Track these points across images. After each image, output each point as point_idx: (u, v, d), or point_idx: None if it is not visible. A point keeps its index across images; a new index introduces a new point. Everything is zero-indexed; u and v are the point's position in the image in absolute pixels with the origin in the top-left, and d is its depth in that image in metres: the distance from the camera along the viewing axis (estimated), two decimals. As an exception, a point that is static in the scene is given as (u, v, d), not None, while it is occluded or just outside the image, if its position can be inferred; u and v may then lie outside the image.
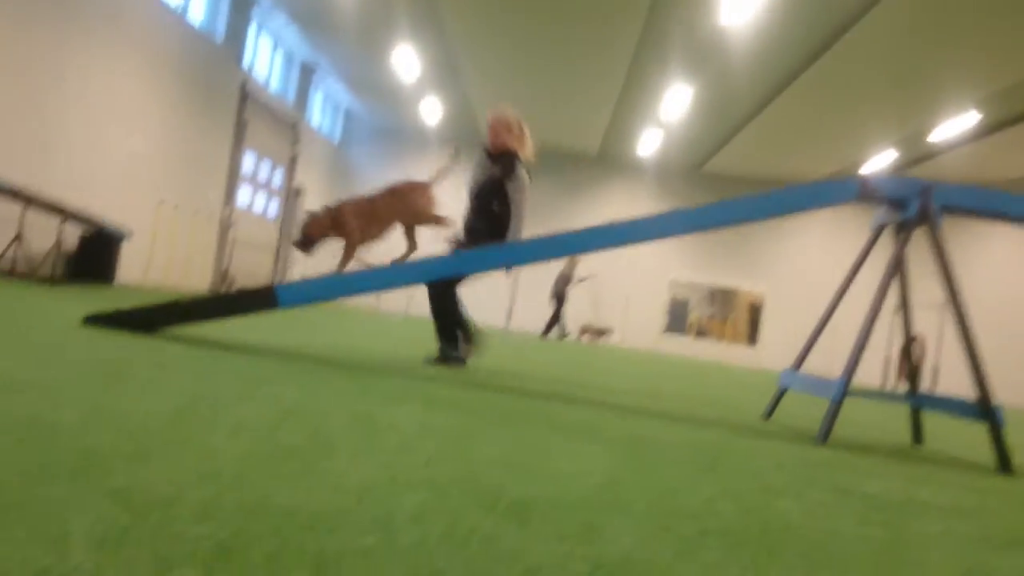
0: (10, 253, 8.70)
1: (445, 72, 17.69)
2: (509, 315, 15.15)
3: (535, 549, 1.41)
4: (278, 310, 4.71)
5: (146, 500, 1.35)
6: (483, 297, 21.73)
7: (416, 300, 21.26)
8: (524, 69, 16.75)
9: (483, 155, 5.81)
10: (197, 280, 14.55)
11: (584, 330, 21.28)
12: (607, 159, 23.39)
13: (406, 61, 16.64)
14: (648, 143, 20.86)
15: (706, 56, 14.51)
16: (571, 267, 19.46)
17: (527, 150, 5.79)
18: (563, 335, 19.38)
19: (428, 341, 8.91)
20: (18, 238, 8.62)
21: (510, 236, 5.55)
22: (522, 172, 5.67)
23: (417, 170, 23.16)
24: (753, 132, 18.75)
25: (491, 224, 5.56)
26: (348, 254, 5.28)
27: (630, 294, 22.99)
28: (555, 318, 19.30)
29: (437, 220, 5.45)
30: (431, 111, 20.69)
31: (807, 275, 22.52)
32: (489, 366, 6.17)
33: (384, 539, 1.34)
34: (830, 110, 16.63)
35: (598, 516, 1.74)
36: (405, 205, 5.38)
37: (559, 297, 19.30)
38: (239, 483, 1.57)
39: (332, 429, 2.34)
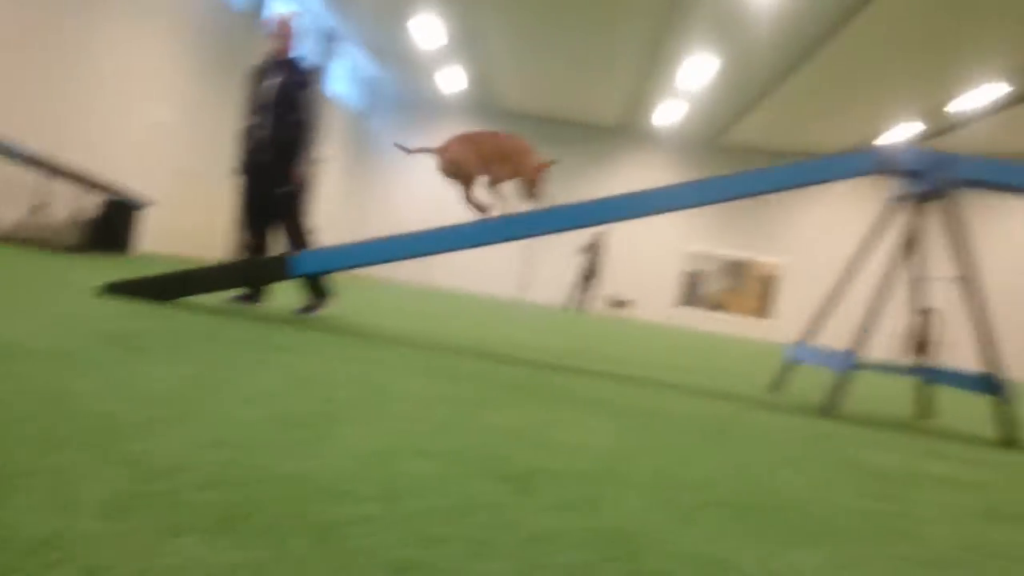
0: (30, 221, 8.79)
1: (468, 41, 17.59)
2: (524, 286, 15.16)
3: (537, 518, 1.45)
4: (291, 279, 4.75)
5: (156, 467, 1.39)
6: (496, 267, 21.85)
7: (433, 269, 21.33)
8: (546, 38, 16.62)
9: (272, 63, 5.50)
10: (216, 250, 14.63)
11: (607, 301, 21.30)
12: (627, 130, 23.24)
13: (429, 29, 16.55)
14: (668, 114, 20.70)
15: (729, 26, 14.34)
16: (597, 240, 19.54)
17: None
18: (579, 307, 19.48)
19: (442, 313, 8.95)
20: (39, 206, 8.70)
21: (310, 144, 5.44)
22: (316, 79, 5.55)
23: (437, 140, 23.11)
24: (774, 103, 18.55)
25: (297, 135, 5.42)
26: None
27: (645, 266, 22.93)
28: (581, 289, 19.47)
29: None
30: (452, 80, 20.59)
31: (825, 247, 22.35)
32: (501, 339, 6.21)
33: (387, 507, 1.37)
34: (853, 81, 16.41)
35: (601, 488, 1.77)
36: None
37: (586, 269, 19.50)
38: (248, 450, 1.61)
39: (344, 398, 2.38)
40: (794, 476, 2.26)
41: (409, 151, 5.17)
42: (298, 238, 5.49)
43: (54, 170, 8.38)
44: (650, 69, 17.45)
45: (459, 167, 4.88)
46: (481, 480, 1.66)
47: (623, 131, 23.26)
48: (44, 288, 4.24)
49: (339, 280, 12.74)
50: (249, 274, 4.72)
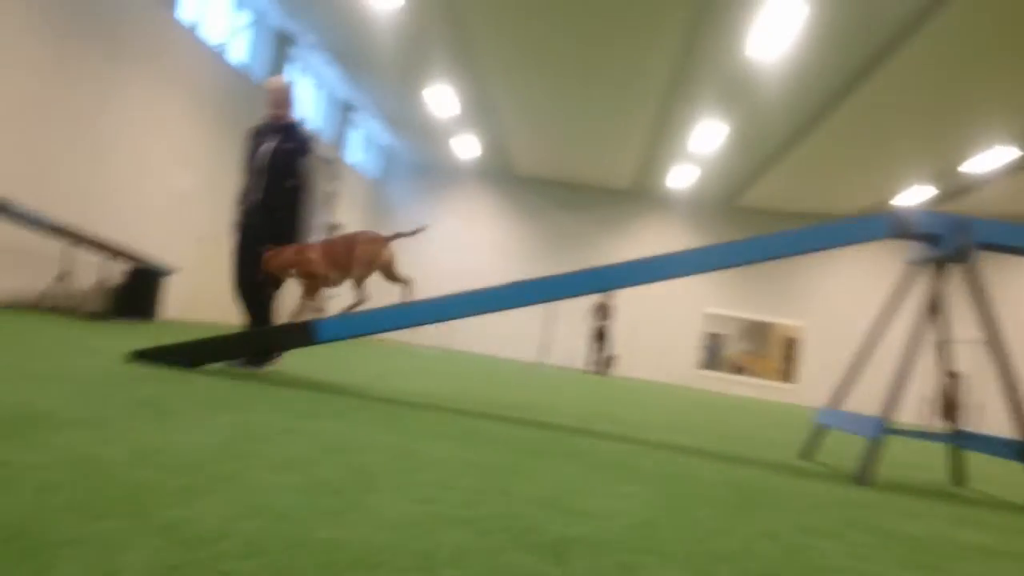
0: (54, 290, 8.90)
1: (480, 109, 17.91)
2: (543, 349, 15.17)
3: (574, 588, 1.43)
4: (316, 345, 4.78)
5: (195, 535, 1.39)
6: (516, 331, 21.85)
7: (453, 333, 21.33)
8: (557, 104, 16.91)
9: (270, 127, 5.59)
10: (237, 315, 14.74)
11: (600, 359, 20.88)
12: (639, 193, 23.43)
13: (442, 99, 16.90)
14: (680, 178, 20.88)
15: (737, 91, 14.55)
16: (605, 302, 19.52)
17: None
18: (598, 370, 19.33)
19: (462, 376, 8.93)
20: (63, 275, 8.82)
21: (307, 211, 5.50)
22: (313, 145, 5.63)
23: (453, 205, 23.42)
24: (786, 167, 18.69)
25: (290, 200, 5.48)
26: (311, 291, 5.19)
27: (665, 329, 22.86)
28: (600, 352, 19.37)
29: (394, 274, 5.27)
30: (466, 147, 20.92)
31: (845, 309, 22.24)
32: (523, 402, 6.18)
33: (426, 577, 1.36)
34: (864, 144, 16.54)
35: (635, 557, 1.75)
36: (363, 254, 5.17)
37: (598, 332, 19.40)
38: (284, 518, 1.60)
39: (372, 464, 2.37)
40: (831, 545, 2.22)
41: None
42: (259, 301, 5.45)
43: (78, 239, 8.52)
44: (661, 133, 17.69)
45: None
46: (516, 550, 1.64)
47: (636, 195, 23.45)
48: (73, 355, 4.28)
49: (354, 346, 12.76)
50: (274, 340, 4.75)
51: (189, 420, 2.68)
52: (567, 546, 1.74)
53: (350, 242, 5.15)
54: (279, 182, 5.45)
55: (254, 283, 5.46)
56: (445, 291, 4.88)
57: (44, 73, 8.88)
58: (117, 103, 10.35)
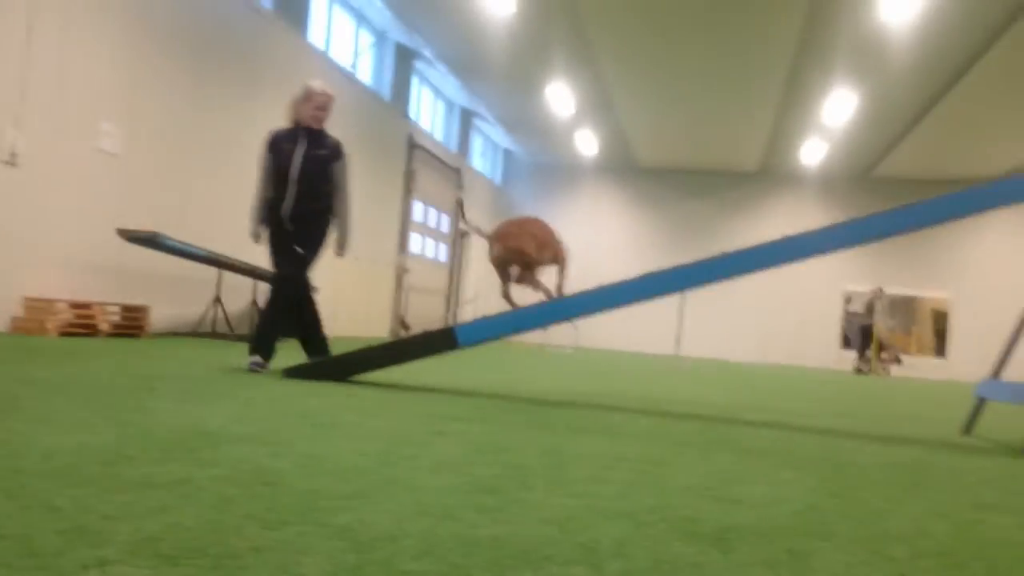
0: (210, 315, 9.43)
1: (598, 105, 17.81)
2: (678, 341, 14.98)
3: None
4: (457, 350, 4.88)
5: (370, 537, 1.45)
6: (650, 324, 21.63)
7: (582, 332, 21.35)
8: (678, 94, 16.60)
9: (298, 133, 5.40)
10: (377, 328, 15.22)
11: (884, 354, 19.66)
12: (768, 174, 22.73)
13: (560, 98, 16.88)
14: (811, 153, 20.14)
15: (869, 58, 13.89)
16: (875, 297, 18.93)
17: None
18: (861, 369, 18.56)
19: (604, 374, 8.92)
20: (217, 300, 9.32)
21: (342, 219, 5.58)
22: (344, 152, 5.61)
23: (575, 203, 23.45)
24: (923, 133, 17.72)
25: (326, 207, 5.48)
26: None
27: (801, 312, 22.10)
28: (862, 350, 18.81)
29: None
30: (586, 144, 20.87)
31: (995, 277, 20.92)
32: (665, 395, 6.13)
33: (592, 570, 1.38)
34: (1004, 104, 15.51)
35: (802, 542, 1.71)
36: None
37: (863, 329, 18.87)
38: (450, 517, 1.65)
39: (523, 462, 2.41)
40: (1008, 520, 2.11)
41: (466, 222, 5.38)
42: (279, 301, 5.45)
43: (227, 265, 8.99)
44: (789, 108, 17.08)
45: (522, 255, 5.17)
46: (678, 540, 1.64)
47: (765, 175, 22.77)
48: (232, 376, 4.52)
49: (489, 350, 12.94)
50: (416, 349, 4.88)
51: (346, 430, 2.80)
52: (730, 534, 1.72)
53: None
54: (320, 188, 5.42)
55: (305, 287, 5.58)
56: (574, 289, 4.89)
57: (183, 102, 9.40)
58: (254, 128, 10.83)
